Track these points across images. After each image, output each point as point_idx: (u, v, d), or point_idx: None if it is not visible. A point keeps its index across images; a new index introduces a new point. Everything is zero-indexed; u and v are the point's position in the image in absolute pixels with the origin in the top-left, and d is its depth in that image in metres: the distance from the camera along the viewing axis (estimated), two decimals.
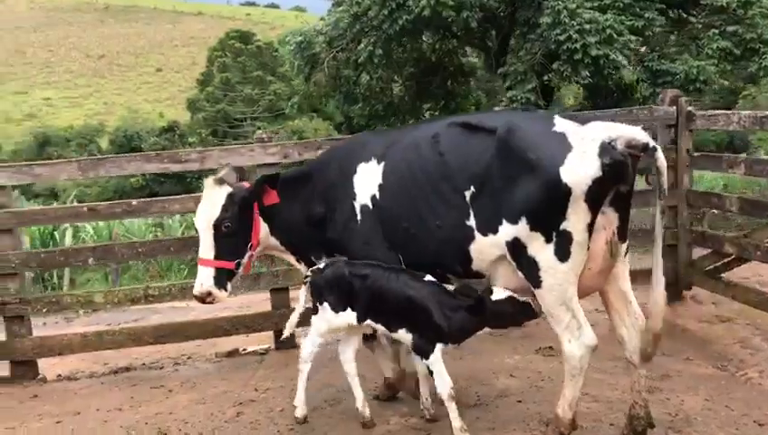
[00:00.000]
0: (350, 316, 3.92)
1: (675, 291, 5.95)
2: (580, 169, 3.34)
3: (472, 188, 3.61)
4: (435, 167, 3.75)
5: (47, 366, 5.87)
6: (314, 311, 4.04)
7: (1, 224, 5.21)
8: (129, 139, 45.52)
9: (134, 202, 5.58)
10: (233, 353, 5.86)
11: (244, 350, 5.89)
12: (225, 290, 4.08)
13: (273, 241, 4.32)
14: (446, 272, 3.89)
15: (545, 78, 14.42)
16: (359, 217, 4.01)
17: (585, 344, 3.53)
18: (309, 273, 4.07)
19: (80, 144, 51.97)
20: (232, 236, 4.05)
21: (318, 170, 4.34)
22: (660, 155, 3.44)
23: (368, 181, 4.00)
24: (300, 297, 4.15)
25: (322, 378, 4.82)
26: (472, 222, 3.64)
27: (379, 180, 3.96)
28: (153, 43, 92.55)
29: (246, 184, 4.25)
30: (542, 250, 3.46)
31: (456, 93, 19.63)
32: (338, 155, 4.39)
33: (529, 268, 3.52)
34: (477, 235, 3.64)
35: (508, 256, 3.58)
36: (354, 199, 4.02)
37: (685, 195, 5.99)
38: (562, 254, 3.44)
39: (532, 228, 3.45)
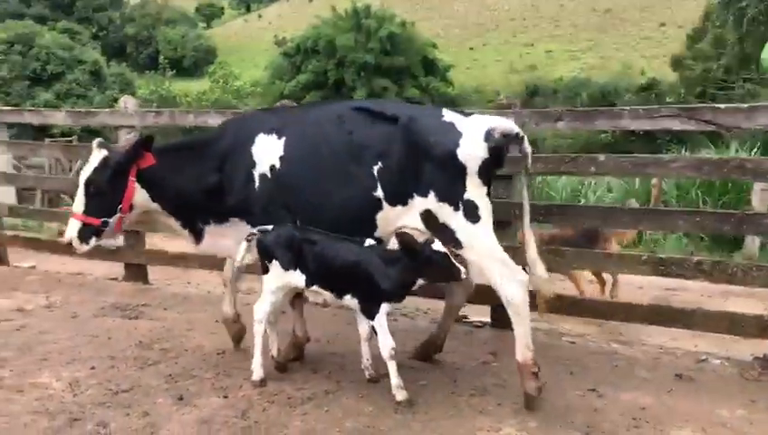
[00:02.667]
0: (299, 278, 4.20)
1: None
2: (471, 151, 4.00)
3: (379, 163, 4.14)
4: (343, 144, 4.21)
5: None
6: (264, 271, 4.28)
7: None
8: (606, 94, 45.48)
9: None
10: (457, 320, 5.82)
11: (465, 317, 5.81)
12: (87, 244, 4.50)
13: (154, 206, 4.65)
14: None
15: None
16: (257, 184, 4.39)
17: (521, 282, 4.00)
18: (255, 232, 4.28)
19: (566, 97, 53.98)
20: (100, 196, 4.41)
21: (212, 141, 4.62)
22: (527, 143, 4.11)
23: (267, 152, 4.37)
24: (238, 252, 4.30)
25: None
26: (380, 193, 4.17)
27: (280, 152, 4.35)
28: None
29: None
30: (452, 217, 4.06)
31: None
32: (232, 128, 4.71)
33: (445, 233, 4.08)
34: (385, 205, 4.18)
35: (422, 226, 4.15)
36: (253, 168, 4.39)
37: None
38: (472, 217, 4.04)
39: (440, 200, 4.06)
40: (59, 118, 7.68)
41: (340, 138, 4.22)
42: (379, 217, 4.21)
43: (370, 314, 4.08)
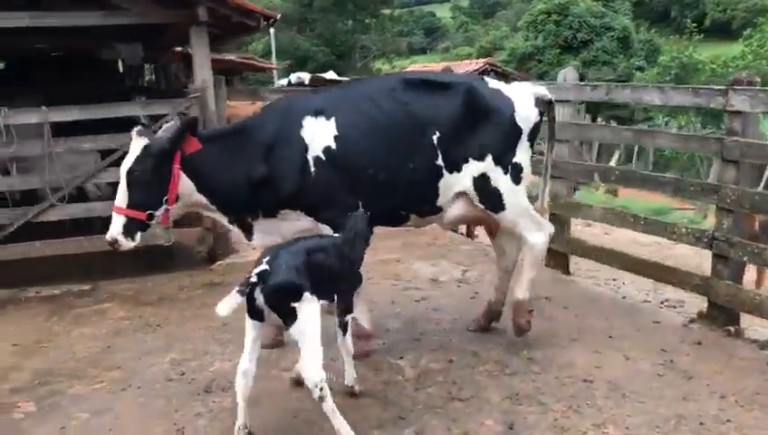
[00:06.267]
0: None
1: None
2: (526, 115, 4.38)
3: (438, 133, 4.26)
4: (403, 116, 4.21)
5: None
6: (291, 320, 3.28)
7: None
8: None
9: None
10: None
11: None
12: (133, 240, 4.09)
13: (200, 198, 4.23)
14: (411, 211, 4.43)
15: None
16: (312, 169, 4.16)
17: (547, 233, 4.54)
18: (254, 278, 3.25)
19: None
20: (145, 187, 4.02)
21: (257, 129, 4.26)
22: (554, 108, 4.62)
23: (320, 134, 4.17)
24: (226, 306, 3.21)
25: None
26: (441, 162, 4.29)
27: (334, 132, 4.17)
28: None
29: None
30: (501, 179, 4.35)
31: None
32: (275, 114, 4.40)
33: (492, 196, 4.37)
34: (445, 172, 4.32)
35: (471, 189, 4.35)
36: (306, 152, 4.15)
37: None
38: (516, 179, 4.39)
39: (496, 163, 4.33)
40: None
41: (398, 110, 4.21)
42: (441, 184, 4.33)
43: (352, 305, 3.77)
